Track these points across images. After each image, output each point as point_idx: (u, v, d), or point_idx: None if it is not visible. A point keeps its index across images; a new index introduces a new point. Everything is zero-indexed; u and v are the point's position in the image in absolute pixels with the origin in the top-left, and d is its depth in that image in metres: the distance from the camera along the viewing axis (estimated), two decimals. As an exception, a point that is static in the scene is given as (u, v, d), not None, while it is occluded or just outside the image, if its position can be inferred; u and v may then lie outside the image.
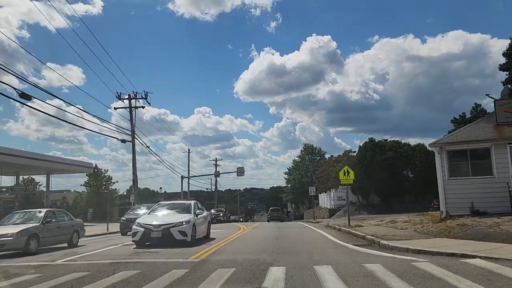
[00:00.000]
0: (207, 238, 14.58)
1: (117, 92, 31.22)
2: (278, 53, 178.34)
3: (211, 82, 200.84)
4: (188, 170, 57.79)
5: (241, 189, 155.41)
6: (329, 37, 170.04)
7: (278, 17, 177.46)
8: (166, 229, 12.21)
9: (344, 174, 20.47)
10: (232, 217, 70.85)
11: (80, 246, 14.25)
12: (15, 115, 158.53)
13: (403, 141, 41.14)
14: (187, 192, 58.26)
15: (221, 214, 50.78)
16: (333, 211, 38.96)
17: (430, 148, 19.51)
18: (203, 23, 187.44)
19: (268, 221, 50.64)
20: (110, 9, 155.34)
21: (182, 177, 55.62)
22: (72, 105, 23.11)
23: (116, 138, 27.40)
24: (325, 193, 45.98)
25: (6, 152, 34.08)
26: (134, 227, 12.70)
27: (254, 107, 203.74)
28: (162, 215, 13.63)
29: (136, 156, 31.43)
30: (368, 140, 39.97)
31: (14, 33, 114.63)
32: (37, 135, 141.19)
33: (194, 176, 59.89)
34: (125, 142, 29.28)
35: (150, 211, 14.42)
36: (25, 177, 58.40)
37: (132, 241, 12.79)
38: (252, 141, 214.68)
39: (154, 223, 12.51)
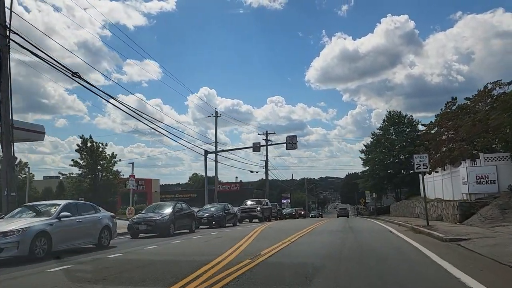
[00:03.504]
0: None
1: None
2: (351, 37, 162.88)
3: (282, 71, 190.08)
4: (216, 142, 39.46)
5: (315, 178, 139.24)
6: (406, 16, 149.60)
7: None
8: None
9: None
10: (287, 211, 51.64)
11: None
12: (102, 110, 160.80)
13: None
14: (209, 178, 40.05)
15: (258, 208, 32.06)
16: (467, 207, 17.91)
17: None
18: (272, 11, 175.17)
19: (337, 216, 54.86)
20: (182, 4, 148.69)
21: (206, 152, 37.66)
22: None
23: None
24: (439, 171, 24.62)
25: None
26: None
27: (327, 95, 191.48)
28: None
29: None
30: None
31: (98, 33, 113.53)
32: (122, 128, 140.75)
33: (222, 151, 41.29)
34: None
35: None
36: None
37: None
38: (326, 130, 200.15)
39: None
